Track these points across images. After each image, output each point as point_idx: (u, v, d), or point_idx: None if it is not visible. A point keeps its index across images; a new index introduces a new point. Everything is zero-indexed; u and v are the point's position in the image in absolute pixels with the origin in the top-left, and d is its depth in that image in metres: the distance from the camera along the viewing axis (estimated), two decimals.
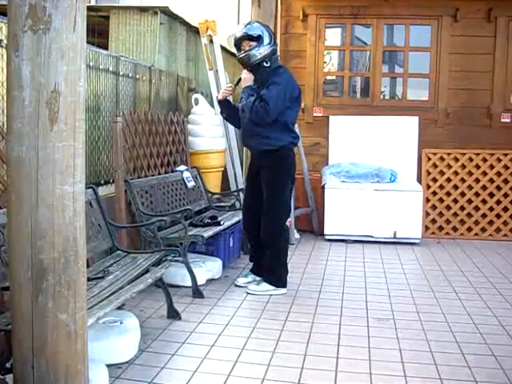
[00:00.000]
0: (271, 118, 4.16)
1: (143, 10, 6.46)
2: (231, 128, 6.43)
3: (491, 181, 6.66)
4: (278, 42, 5.96)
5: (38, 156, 1.96)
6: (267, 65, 4.25)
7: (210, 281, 4.58)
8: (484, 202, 6.66)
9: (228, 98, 4.56)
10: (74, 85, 2.00)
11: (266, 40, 4.20)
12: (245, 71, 4.35)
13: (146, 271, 3.53)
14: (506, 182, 6.64)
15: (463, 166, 6.71)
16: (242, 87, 4.44)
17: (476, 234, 6.67)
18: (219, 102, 4.59)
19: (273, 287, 4.34)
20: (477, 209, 6.68)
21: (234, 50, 4.62)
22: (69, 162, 2.01)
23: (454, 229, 6.73)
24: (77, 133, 2.03)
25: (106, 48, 6.14)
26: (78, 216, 2.07)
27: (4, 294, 2.52)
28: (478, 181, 6.68)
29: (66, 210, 2.02)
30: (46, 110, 1.95)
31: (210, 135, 6.05)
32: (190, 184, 5.42)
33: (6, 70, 2.02)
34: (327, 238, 6.34)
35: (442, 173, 6.76)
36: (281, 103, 4.16)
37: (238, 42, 4.27)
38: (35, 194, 1.98)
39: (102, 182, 4.87)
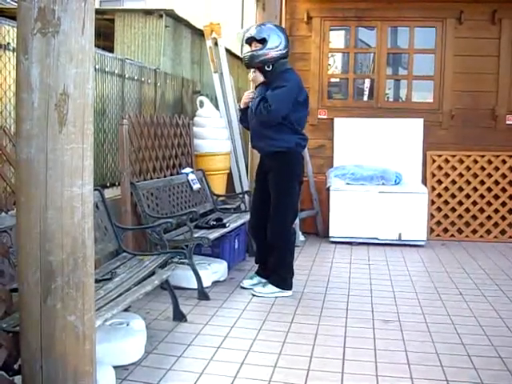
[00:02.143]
0: (275, 118, 4.15)
1: (148, 13, 6.49)
2: (236, 130, 6.45)
3: (496, 183, 6.65)
4: None
5: (47, 158, 1.97)
6: (268, 69, 4.24)
7: (215, 283, 4.59)
8: (489, 203, 6.66)
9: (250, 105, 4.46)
10: (82, 87, 2.01)
11: (272, 44, 4.20)
12: (252, 71, 4.36)
13: (153, 273, 3.54)
14: (511, 183, 6.63)
15: (468, 168, 6.71)
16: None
17: (481, 236, 6.66)
18: (241, 110, 4.57)
19: (278, 289, 4.35)
20: (482, 211, 6.67)
21: (238, 52, 4.61)
22: (77, 164, 2.02)
23: (459, 231, 6.72)
24: (85, 135, 2.04)
25: (112, 51, 6.16)
26: (86, 218, 2.08)
27: (12, 295, 2.52)
28: (482, 183, 6.67)
29: (74, 212, 2.03)
30: (54, 112, 1.96)
31: (215, 137, 6.06)
32: (196, 186, 5.43)
33: (14, 73, 2.03)
34: (332, 240, 6.34)
35: (446, 175, 6.75)
36: (285, 104, 4.14)
37: (248, 42, 4.32)
38: (44, 196, 1.99)
39: (108, 184, 4.90)
